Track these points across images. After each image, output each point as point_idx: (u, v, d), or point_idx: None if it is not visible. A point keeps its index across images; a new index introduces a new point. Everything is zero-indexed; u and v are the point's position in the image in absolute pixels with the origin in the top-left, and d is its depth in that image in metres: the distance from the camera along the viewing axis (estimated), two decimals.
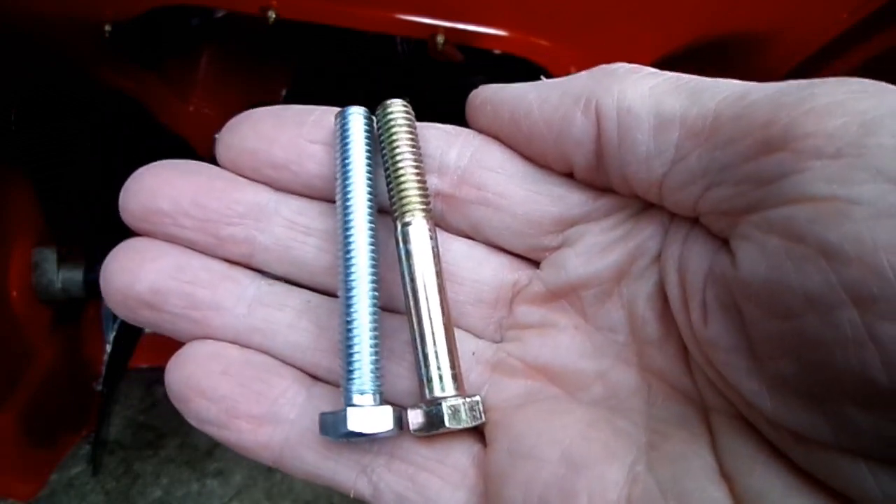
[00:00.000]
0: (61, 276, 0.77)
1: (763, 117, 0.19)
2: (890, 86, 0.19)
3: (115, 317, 0.85)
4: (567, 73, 0.65)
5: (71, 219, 0.80)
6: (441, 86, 0.86)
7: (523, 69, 0.65)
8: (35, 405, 0.76)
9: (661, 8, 0.60)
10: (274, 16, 0.60)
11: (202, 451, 1.01)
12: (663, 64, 0.65)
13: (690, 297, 0.23)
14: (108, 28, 0.64)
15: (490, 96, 0.27)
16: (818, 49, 0.63)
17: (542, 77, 0.66)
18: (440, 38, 0.60)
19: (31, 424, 0.76)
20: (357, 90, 0.94)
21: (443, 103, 0.88)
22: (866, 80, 0.19)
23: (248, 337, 0.27)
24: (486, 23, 0.61)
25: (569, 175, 0.26)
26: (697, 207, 0.22)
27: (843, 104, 0.18)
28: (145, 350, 0.89)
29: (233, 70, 0.94)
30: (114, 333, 0.85)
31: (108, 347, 0.89)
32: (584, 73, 0.25)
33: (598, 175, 0.25)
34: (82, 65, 0.72)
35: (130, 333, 0.85)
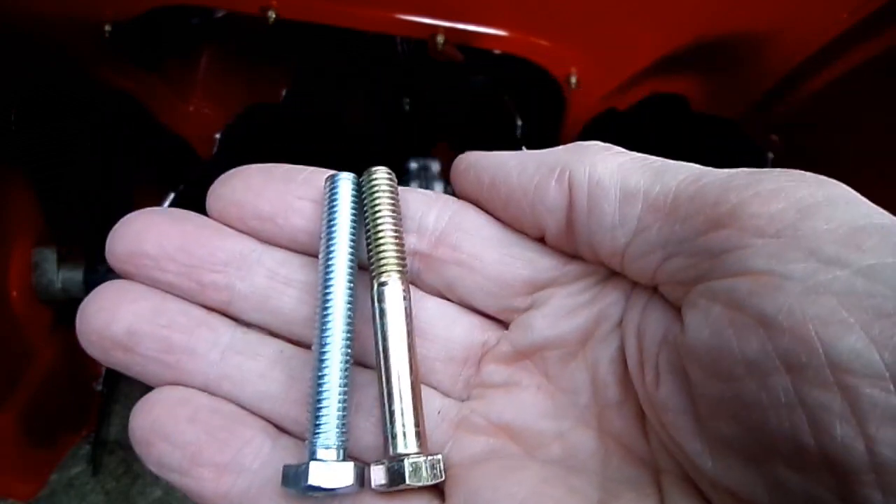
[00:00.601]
0: (61, 276, 0.77)
1: (714, 198, 0.21)
2: (827, 178, 0.21)
3: None
4: (567, 74, 0.65)
5: (71, 219, 0.80)
6: (441, 86, 0.86)
7: (523, 69, 0.65)
8: (35, 405, 0.76)
9: (661, 8, 0.60)
10: (274, 16, 0.60)
11: None
12: (663, 64, 0.65)
13: (646, 361, 0.24)
14: (108, 28, 0.64)
15: (473, 162, 0.28)
16: (818, 49, 0.63)
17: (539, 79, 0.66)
18: (440, 38, 0.60)
19: (31, 424, 0.76)
20: (357, 90, 0.95)
21: (443, 103, 0.89)
22: (807, 173, 0.21)
23: (217, 384, 0.27)
24: (486, 23, 0.61)
25: (541, 240, 0.28)
26: (656, 277, 0.24)
27: (785, 190, 0.20)
28: None
29: (233, 70, 0.94)
30: None
31: None
32: (560, 147, 0.26)
33: (568, 241, 0.26)
34: (82, 65, 0.73)
35: None
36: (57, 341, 0.81)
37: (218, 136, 0.93)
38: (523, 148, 0.79)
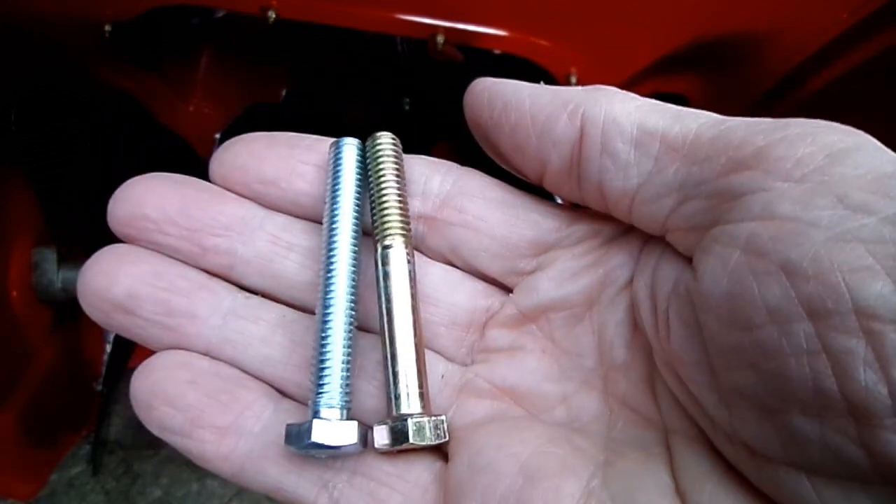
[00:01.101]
0: (61, 276, 0.77)
1: (738, 140, 0.21)
2: (855, 129, 0.21)
3: None
4: (567, 74, 0.65)
5: (71, 219, 0.80)
6: (441, 86, 0.86)
7: (523, 69, 0.65)
8: (35, 405, 0.76)
9: (661, 8, 0.60)
10: (274, 16, 0.60)
11: None
12: (663, 64, 0.65)
13: (660, 316, 0.24)
14: (108, 28, 0.64)
15: (489, 86, 0.28)
16: (818, 49, 0.63)
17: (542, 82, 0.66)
18: (440, 38, 0.60)
19: (31, 424, 0.76)
20: (357, 90, 0.95)
21: (443, 103, 0.89)
22: (836, 123, 0.21)
23: (219, 348, 0.27)
24: (486, 23, 0.61)
25: (539, 182, 0.27)
26: (667, 222, 0.23)
27: (813, 135, 0.20)
28: (145, 350, 0.89)
29: (233, 70, 0.94)
30: (114, 334, 0.86)
31: (108, 347, 0.89)
32: (578, 87, 0.26)
33: (569, 180, 0.26)
34: (82, 65, 0.73)
35: None
36: (57, 341, 0.81)
37: (218, 136, 0.93)
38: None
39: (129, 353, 0.87)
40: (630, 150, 0.23)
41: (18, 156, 0.73)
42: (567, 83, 0.65)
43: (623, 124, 0.24)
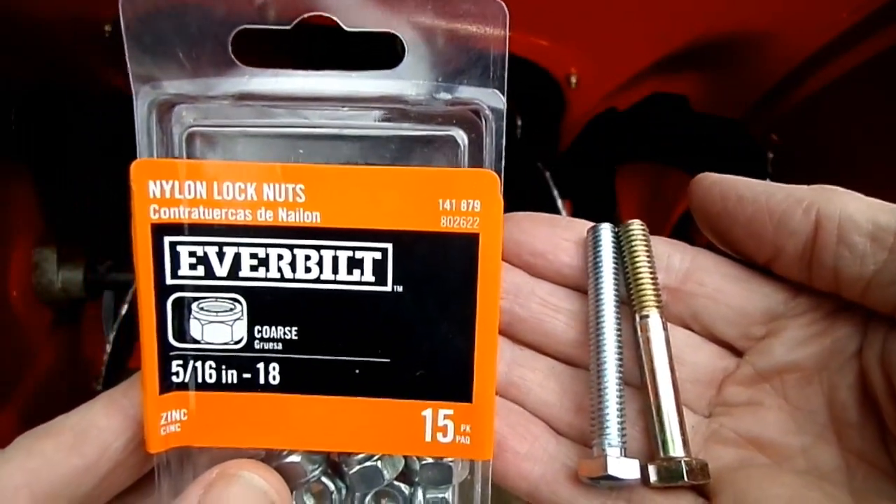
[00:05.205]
0: (61, 276, 0.77)
1: None
2: None
3: (114, 316, 0.85)
4: (567, 74, 0.65)
5: (71, 220, 0.80)
6: None
7: (523, 69, 0.65)
8: (35, 405, 0.76)
9: (662, 8, 0.60)
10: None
11: None
12: (663, 64, 0.65)
13: None
14: (108, 28, 0.64)
15: (719, 180, 0.32)
16: (818, 49, 0.63)
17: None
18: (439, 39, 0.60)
19: (31, 425, 0.75)
20: None
21: None
22: None
23: (506, 390, 0.33)
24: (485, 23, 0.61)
25: (767, 266, 0.31)
26: None
27: None
28: None
29: None
30: (114, 333, 0.86)
31: (108, 347, 0.89)
32: (805, 186, 0.29)
33: (801, 266, 0.29)
34: (82, 65, 0.72)
35: (130, 333, 0.85)
36: (57, 341, 0.81)
37: None
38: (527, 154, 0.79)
39: (129, 353, 0.87)
40: (866, 242, 0.27)
41: (18, 156, 0.73)
42: (567, 83, 0.65)
43: (858, 220, 0.27)
